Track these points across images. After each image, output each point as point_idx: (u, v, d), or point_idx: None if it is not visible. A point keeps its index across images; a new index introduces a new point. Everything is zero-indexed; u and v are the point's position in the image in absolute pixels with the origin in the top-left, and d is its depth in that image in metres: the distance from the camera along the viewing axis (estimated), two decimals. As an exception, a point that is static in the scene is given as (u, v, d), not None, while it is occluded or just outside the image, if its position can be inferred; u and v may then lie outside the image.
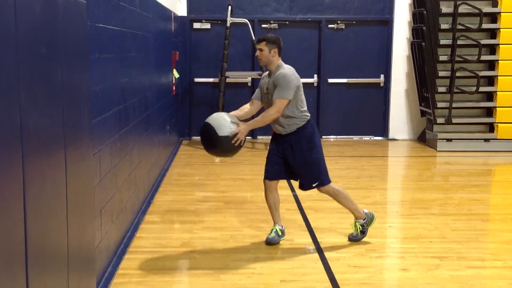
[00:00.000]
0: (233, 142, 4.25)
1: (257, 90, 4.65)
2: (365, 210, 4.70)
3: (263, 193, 4.67)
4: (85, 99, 3.05)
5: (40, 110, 2.34)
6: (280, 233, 4.62)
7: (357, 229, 4.63)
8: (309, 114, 4.51)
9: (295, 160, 4.47)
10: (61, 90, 2.61)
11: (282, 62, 4.46)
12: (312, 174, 4.49)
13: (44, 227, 2.36)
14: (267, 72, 4.55)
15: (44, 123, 2.39)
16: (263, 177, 4.61)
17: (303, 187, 4.59)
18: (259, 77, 8.86)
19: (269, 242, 4.55)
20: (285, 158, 4.52)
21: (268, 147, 4.63)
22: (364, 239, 4.67)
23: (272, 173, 4.58)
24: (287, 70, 4.40)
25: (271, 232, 4.62)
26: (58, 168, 2.57)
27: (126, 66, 4.71)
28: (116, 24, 4.29)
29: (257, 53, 4.44)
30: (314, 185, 4.51)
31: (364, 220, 4.64)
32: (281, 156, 4.53)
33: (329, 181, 4.52)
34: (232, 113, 4.48)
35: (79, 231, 2.92)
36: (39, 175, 2.31)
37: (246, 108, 4.61)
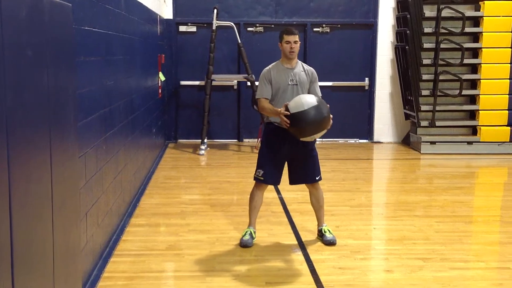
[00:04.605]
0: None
1: (266, 87, 4.46)
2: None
3: (249, 196, 4.68)
4: (71, 101, 3.05)
5: (26, 113, 2.34)
6: (254, 236, 4.66)
7: (331, 232, 4.72)
8: None
9: (304, 152, 4.50)
10: (47, 92, 2.61)
11: None
12: (317, 168, 4.58)
13: (29, 229, 2.36)
14: (274, 66, 4.50)
15: (30, 126, 2.39)
16: (249, 179, 4.62)
17: (307, 179, 4.60)
18: (245, 80, 8.90)
19: (245, 245, 4.56)
20: (289, 155, 4.52)
21: (256, 150, 4.64)
22: (349, 241, 4.72)
23: (274, 179, 4.59)
24: None
25: (245, 234, 4.63)
26: (44, 170, 2.57)
27: (111, 69, 4.71)
28: (101, 27, 4.29)
29: (292, 45, 4.43)
30: (317, 178, 4.60)
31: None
32: (285, 155, 4.52)
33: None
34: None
35: (65, 234, 2.91)
36: (25, 177, 2.31)
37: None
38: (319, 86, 4.59)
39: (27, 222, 2.33)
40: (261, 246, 4.61)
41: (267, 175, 4.54)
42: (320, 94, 4.53)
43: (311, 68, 4.60)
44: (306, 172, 4.59)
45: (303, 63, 4.60)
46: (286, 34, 4.47)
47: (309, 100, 4.15)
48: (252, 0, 9.57)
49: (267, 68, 4.56)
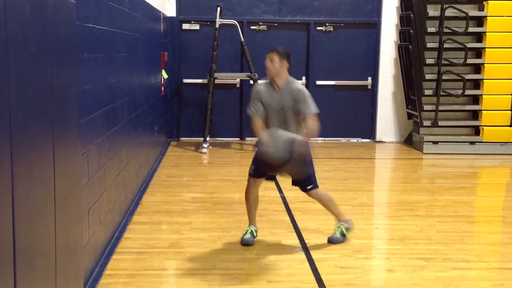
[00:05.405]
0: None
1: (257, 104, 4.40)
2: (348, 217, 4.76)
3: (244, 195, 4.69)
4: (74, 98, 3.06)
5: (29, 109, 2.34)
6: (255, 234, 4.65)
7: (340, 232, 4.67)
8: None
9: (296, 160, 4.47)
10: (50, 89, 2.61)
11: (291, 77, 4.44)
12: (308, 178, 4.49)
13: (32, 226, 2.37)
14: (264, 85, 4.39)
15: (33, 122, 2.39)
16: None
17: (301, 186, 4.56)
18: (248, 78, 8.90)
19: (246, 243, 4.56)
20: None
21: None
22: (351, 240, 4.71)
23: (261, 172, 4.56)
24: (300, 84, 4.42)
25: (246, 233, 4.63)
26: (47, 167, 2.57)
27: (115, 66, 4.71)
28: (105, 24, 4.29)
29: (268, 63, 4.33)
30: (308, 187, 4.52)
31: (348, 225, 4.70)
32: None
33: (317, 186, 4.59)
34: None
35: (67, 231, 2.92)
36: (28, 174, 2.31)
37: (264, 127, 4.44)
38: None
39: (30, 219, 2.33)
40: (262, 245, 4.61)
41: (255, 170, 4.51)
42: (312, 111, 4.33)
43: (299, 87, 4.40)
44: (299, 179, 4.53)
45: (294, 82, 4.43)
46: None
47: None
48: (256, -1, 9.58)
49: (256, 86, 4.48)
